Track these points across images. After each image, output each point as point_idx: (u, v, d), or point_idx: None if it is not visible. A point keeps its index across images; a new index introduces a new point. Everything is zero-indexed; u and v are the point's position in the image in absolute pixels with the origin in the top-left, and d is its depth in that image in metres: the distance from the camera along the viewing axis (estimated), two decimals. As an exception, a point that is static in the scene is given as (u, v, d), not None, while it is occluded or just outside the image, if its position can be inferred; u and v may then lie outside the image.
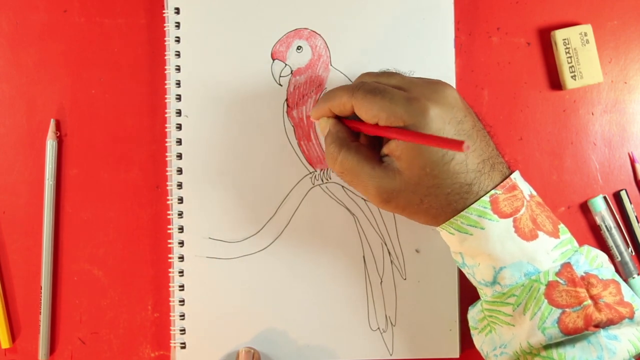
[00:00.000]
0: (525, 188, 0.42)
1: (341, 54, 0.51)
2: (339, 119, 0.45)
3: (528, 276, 0.40)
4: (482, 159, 0.40)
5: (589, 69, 0.51)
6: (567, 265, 0.40)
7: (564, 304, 0.39)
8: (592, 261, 0.41)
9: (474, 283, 0.43)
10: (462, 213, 0.40)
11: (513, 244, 0.40)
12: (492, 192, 0.40)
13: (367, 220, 0.51)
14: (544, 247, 0.40)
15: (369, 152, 0.43)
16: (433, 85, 0.42)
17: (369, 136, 0.45)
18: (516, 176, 0.41)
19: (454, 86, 0.51)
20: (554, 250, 0.40)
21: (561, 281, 0.39)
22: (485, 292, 0.42)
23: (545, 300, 0.39)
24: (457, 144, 0.33)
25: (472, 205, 0.40)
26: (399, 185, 0.41)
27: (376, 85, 0.42)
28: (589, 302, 0.39)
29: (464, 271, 0.44)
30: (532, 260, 0.40)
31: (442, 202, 0.40)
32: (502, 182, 0.40)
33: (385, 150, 0.42)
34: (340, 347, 0.50)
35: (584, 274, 0.40)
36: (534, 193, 0.42)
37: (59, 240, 0.52)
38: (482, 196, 0.40)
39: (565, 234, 0.42)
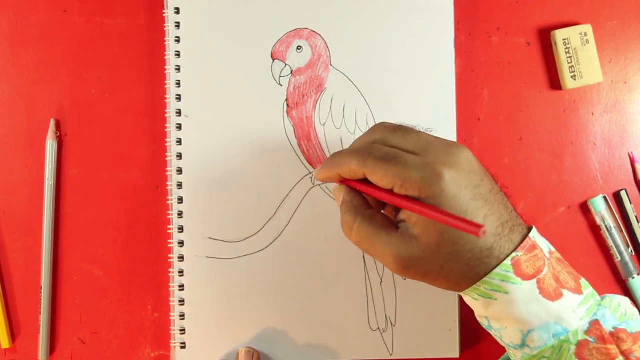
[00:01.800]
0: (544, 245, 0.41)
1: (341, 54, 0.51)
2: (349, 185, 0.44)
3: (557, 337, 0.39)
4: (501, 222, 0.39)
5: (589, 69, 0.51)
6: (595, 323, 0.39)
7: None
8: (615, 310, 0.40)
9: (502, 344, 0.42)
10: (484, 279, 0.39)
11: (539, 305, 0.39)
12: (514, 254, 0.39)
13: (367, 220, 0.50)
14: (569, 305, 0.39)
15: (385, 219, 0.42)
16: (448, 148, 0.40)
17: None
18: (534, 234, 0.40)
19: (454, 86, 0.51)
20: (580, 307, 0.39)
21: (591, 339, 0.39)
22: (514, 354, 0.42)
23: None
24: (474, 228, 0.32)
25: (494, 270, 0.39)
26: (417, 252, 0.39)
27: (388, 150, 0.40)
28: (620, 358, 0.38)
29: (491, 333, 0.43)
30: (559, 320, 0.39)
31: (463, 267, 0.39)
32: (521, 242, 0.39)
33: (401, 216, 0.41)
34: (340, 347, 0.50)
35: (612, 330, 0.39)
36: (553, 249, 0.41)
37: (59, 240, 0.52)
38: (504, 259, 0.39)
39: (587, 288, 0.41)
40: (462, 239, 0.38)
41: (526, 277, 0.39)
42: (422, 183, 0.38)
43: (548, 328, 0.39)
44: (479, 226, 0.32)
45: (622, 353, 0.38)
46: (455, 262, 0.39)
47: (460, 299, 0.50)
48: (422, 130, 0.45)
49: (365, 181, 0.42)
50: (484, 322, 0.42)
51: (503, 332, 0.41)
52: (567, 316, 0.39)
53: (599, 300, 0.41)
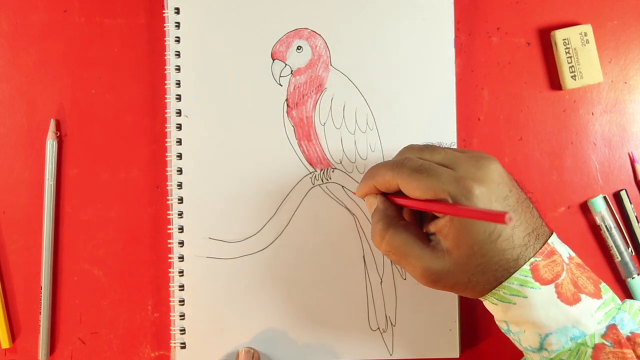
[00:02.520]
0: (564, 251, 0.41)
1: (341, 54, 0.51)
2: (384, 195, 0.44)
3: (574, 340, 0.39)
4: (527, 232, 0.40)
5: (589, 69, 0.51)
6: (612, 327, 0.39)
7: None
8: (635, 315, 0.41)
9: (520, 348, 0.43)
10: (503, 283, 0.40)
11: (557, 309, 0.39)
12: (532, 259, 0.39)
13: (367, 220, 0.51)
14: (587, 309, 0.40)
15: (417, 232, 0.42)
16: (477, 162, 0.41)
17: (412, 212, 0.44)
18: (554, 240, 0.41)
19: (454, 86, 0.51)
20: (598, 311, 0.40)
21: (607, 343, 0.39)
22: (532, 358, 0.42)
23: None
24: (499, 217, 0.33)
25: (513, 275, 0.39)
26: (448, 265, 0.40)
27: (421, 162, 0.41)
28: None
29: (509, 337, 0.43)
30: (577, 324, 0.39)
31: (490, 278, 0.40)
32: (540, 248, 0.40)
33: (432, 228, 0.41)
34: (340, 347, 0.50)
35: (629, 334, 0.39)
36: (573, 254, 0.42)
37: (59, 240, 0.52)
38: (523, 264, 0.39)
39: (607, 292, 0.41)
40: (491, 251, 0.39)
41: (544, 282, 0.39)
42: (454, 198, 0.39)
43: (565, 331, 0.39)
44: (503, 214, 0.32)
45: (638, 358, 0.39)
46: (483, 274, 0.40)
47: (461, 298, 0.50)
48: (447, 146, 0.46)
49: (398, 194, 0.43)
50: (502, 327, 0.43)
51: (521, 336, 0.41)
52: (585, 320, 0.39)
53: (619, 304, 0.41)
